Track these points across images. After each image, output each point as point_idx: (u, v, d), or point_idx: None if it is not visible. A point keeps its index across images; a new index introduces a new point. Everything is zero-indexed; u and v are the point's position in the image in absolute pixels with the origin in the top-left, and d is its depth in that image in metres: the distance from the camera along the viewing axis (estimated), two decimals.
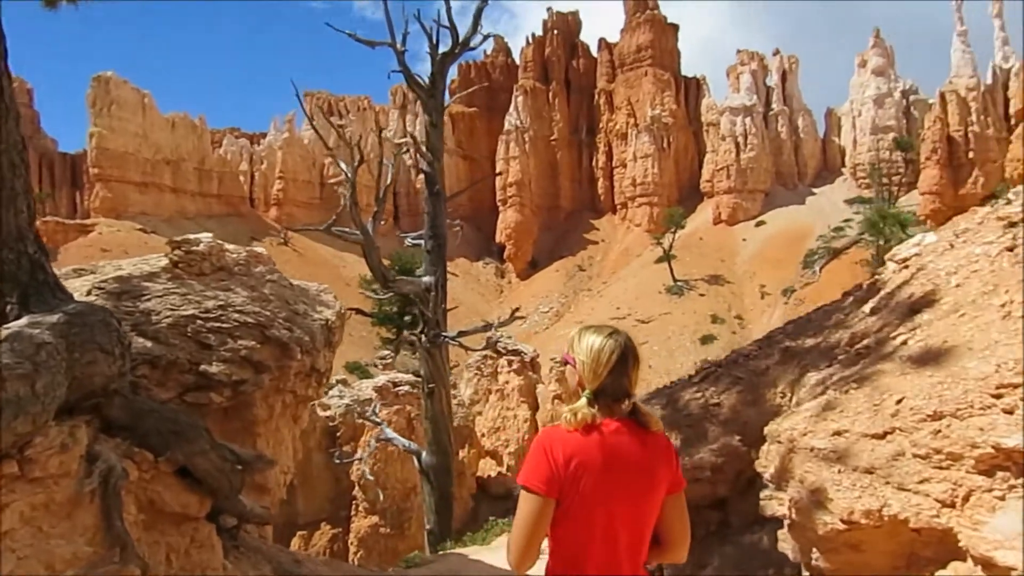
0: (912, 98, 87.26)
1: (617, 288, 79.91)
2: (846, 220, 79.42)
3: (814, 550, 3.38)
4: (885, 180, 59.06)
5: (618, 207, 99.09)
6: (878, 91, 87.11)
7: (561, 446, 2.56)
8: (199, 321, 7.04)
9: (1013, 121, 22.03)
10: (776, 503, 3.56)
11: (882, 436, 3.15)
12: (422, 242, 14.21)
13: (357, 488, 19.88)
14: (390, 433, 14.55)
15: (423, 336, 13.49)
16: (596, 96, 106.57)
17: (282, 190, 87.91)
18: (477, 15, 13.77)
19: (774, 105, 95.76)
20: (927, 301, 3.86)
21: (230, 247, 8.26)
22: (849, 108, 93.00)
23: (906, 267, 4.76)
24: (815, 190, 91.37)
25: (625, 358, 2.63)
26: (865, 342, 4.15)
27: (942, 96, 71.45)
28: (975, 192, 67.94)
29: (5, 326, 4.63)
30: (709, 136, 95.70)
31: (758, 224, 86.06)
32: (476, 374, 26.80)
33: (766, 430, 3.93)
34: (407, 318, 38.82)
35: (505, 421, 25.75)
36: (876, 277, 5.00)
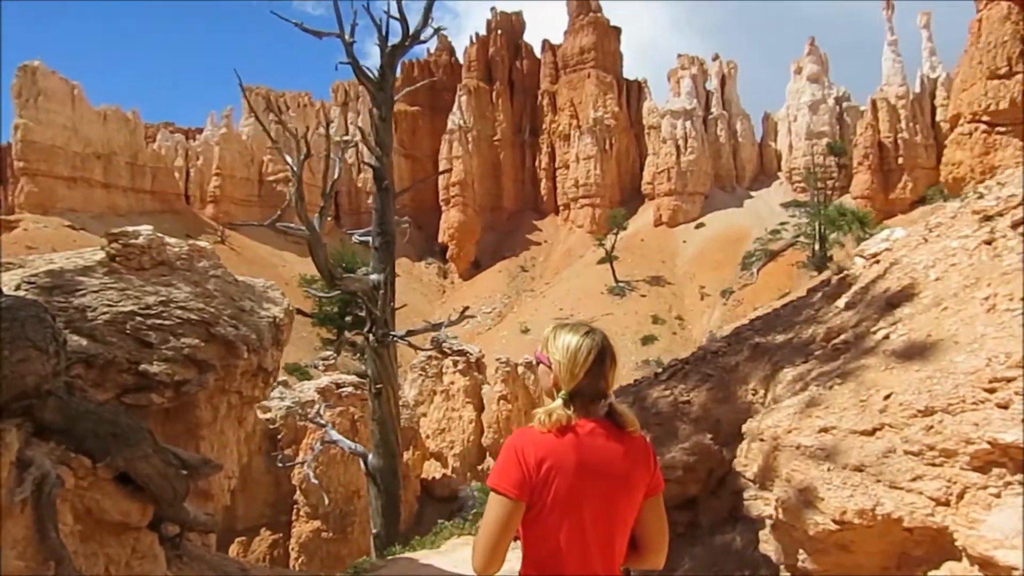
0: (845, 105, 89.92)
1: (560, 289, 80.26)
2: (782, 223, 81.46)
3: (800, 551, 3.28)
4: (820, 184, 60.60)
5: (560, 208, 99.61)
6: (813, 97, 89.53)
7: (533, 448, 2.45)
8: (139, 318, 6.66)
9: (947, 127, 22.91)
10: (761, 503, 3.45)
11: (871, 433, 3.07)
12: (369, 239, 13.89)
13: (299, 492, 19.38)
14: (335, 435, 14.18)
15: (371, 336, 13.17)
16: (539, 97, 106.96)
17: (219, 187, 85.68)
18: (428, 8, 13.52)
19: (713, 109, 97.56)
20: (905, 295, 3.81)
21: (171, 241, 7.87)
22: (785, 113, 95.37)
23: (877, 262, 4.73)
24: (752, 193, 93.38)
25: (602, 357, 2.55)
26: (843, 337, 4.09)
27: (873, 103, 73.82)
28: (904, 197, 70.50)
29: None
30: (650, 139, 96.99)
31: (698, 226, 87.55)
32: (421, 375, 26.49)
33: (745, 428, 3.80)
34: (348, 318, 38.25)
35: (450, 422, 25.52)
36: (845, 273, 4.96)
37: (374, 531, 13.82)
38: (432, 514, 22.47)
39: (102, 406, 5.21)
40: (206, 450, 7.00)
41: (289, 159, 11.79)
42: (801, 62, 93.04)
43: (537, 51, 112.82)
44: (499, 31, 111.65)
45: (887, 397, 3.13)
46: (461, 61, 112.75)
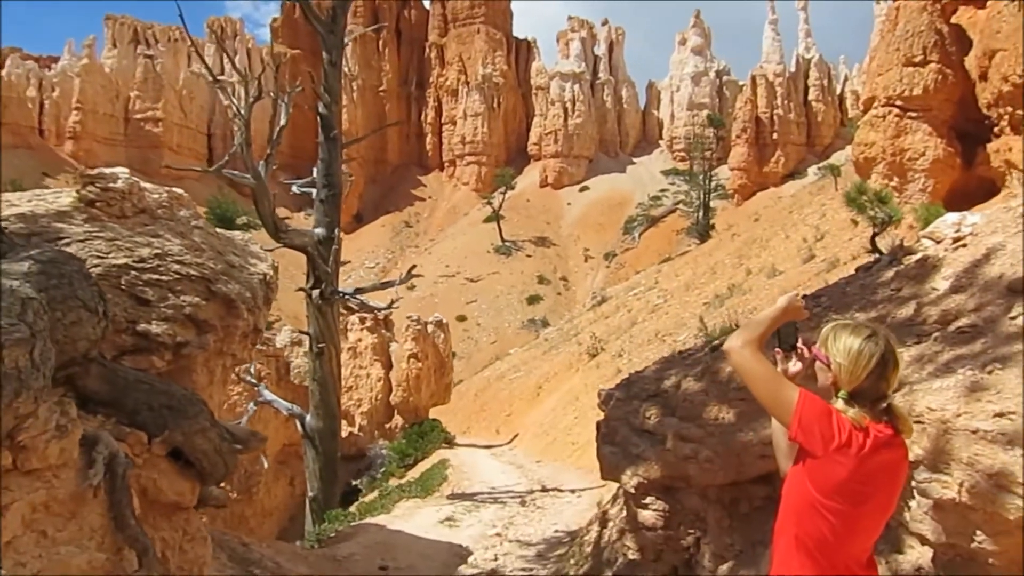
0: (725, 79, 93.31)
1: (446, 246, 79.78)
2: (662, 190, 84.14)
3: (978, 532, 3.34)
4: (706, 155, 62.94)
5: (446, 164, 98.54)
6: (696, 69, 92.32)
7: (847, 432, 2.39)
8: (134, 272, 5.96)
9: (862, 108, 24.37)
10: (939, 486, 3.46)
11: None
12: (311, 191, 13.22)
13: None
14: (269, 395, 13.53)
15: (314, 293, 12.58)
16: (427, 49, 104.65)
17: (79, 122, 78.82)
18: None
19: (601, 74, 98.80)
20: None
21: (148, 186, 7.09)
22: (668, 83, 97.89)
23: (964, 245, 4.84)
24: (635, 159, 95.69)
25: (885, 362, 2.48)
26: (966, 320, 4.14)
27: (753, 79, 76.95)
28: (777, 170, 74.29)
29: None
30: (538, 100, 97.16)
31: (582, 189, 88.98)
32: None
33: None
34: None
35: (358, 380, 24.95)
36: (922, 253, 5.05)
37: (311, 494, 13.41)
38: (340, 473, 22.02)
39: (157, 375, 4.63)
40: None
41: (237, 101, 10.91)
42: (686, 34, 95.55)
43: (426, 2, 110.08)
44: None
45: None
46: None
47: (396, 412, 24.94)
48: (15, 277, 3.65)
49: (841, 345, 2.49)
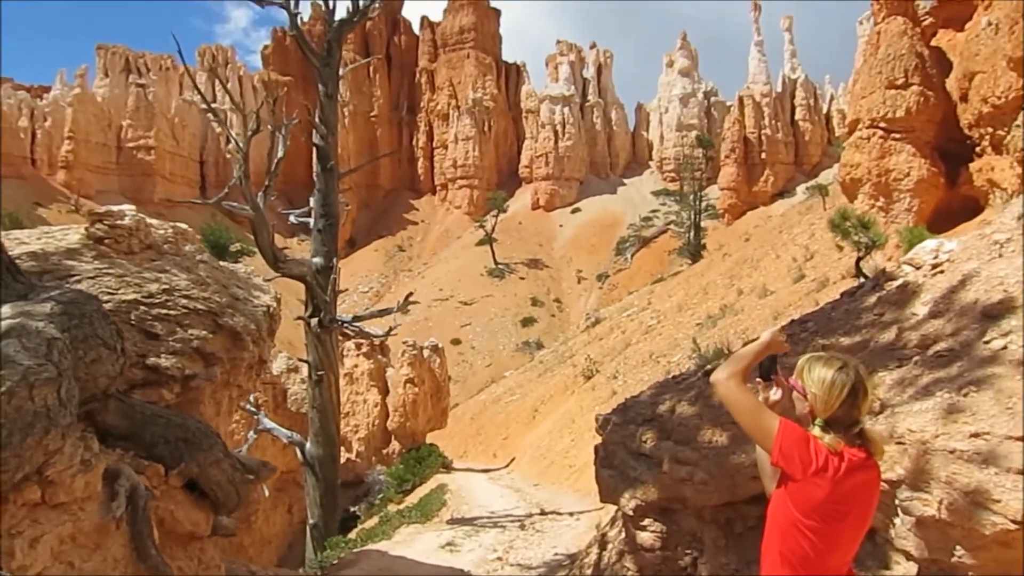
0: (713, 100, 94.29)
1: (439, 270, 79.95)
2: (653, 210, 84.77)
3: (958, 547, 3.52)
4: (696, 175, 63.51)
5: (438, 188, 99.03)
6: (684, 91, 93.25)
7: (823, 457, 2.61)
8: (143, 307, 6.14)
9: (847, 130, 24.83)
10: (920, 504, 3.66)
11: None
12: (308, 220, 13.42)
13: None
14: (268, 423, 13.63)
15: (312, 321, 12.75)
16: (417, 75, 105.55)
17: (72, 151, 78.93)
18: None
19: (590, 97, 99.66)
20: (1005, 307, 4.13)
21: (154, 222, 7.29)
22: (657, 105, 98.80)
23: (941, 272, 5.07)
24: (625, 180, 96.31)
25: (856, 391, 2.68)
26: (944, 345, 4.33)
27: (740, 100, 77.79)
28: (766, 189, 74.91)
29: None
30: (528, 123, 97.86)
31: (574, 211, 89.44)
32: None
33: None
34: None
35: (354, 406, 25.01)
36: (903, 279, 5.28)
37: (311, 522, 13.46)
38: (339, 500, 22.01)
39: (166, 408, 4.80)
40: None
41: (235, 135, 11.13)
42: (673, 55, 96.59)
43: (415, 28, 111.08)
44: (377, 4, 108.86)
45: None
46: None
47: (393, 437, 24.99)
48: (40, 318, 3.83)
49: (815, 376, 2.71)
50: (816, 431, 2.66)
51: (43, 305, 3.99)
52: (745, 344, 3.09)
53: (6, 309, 3.95)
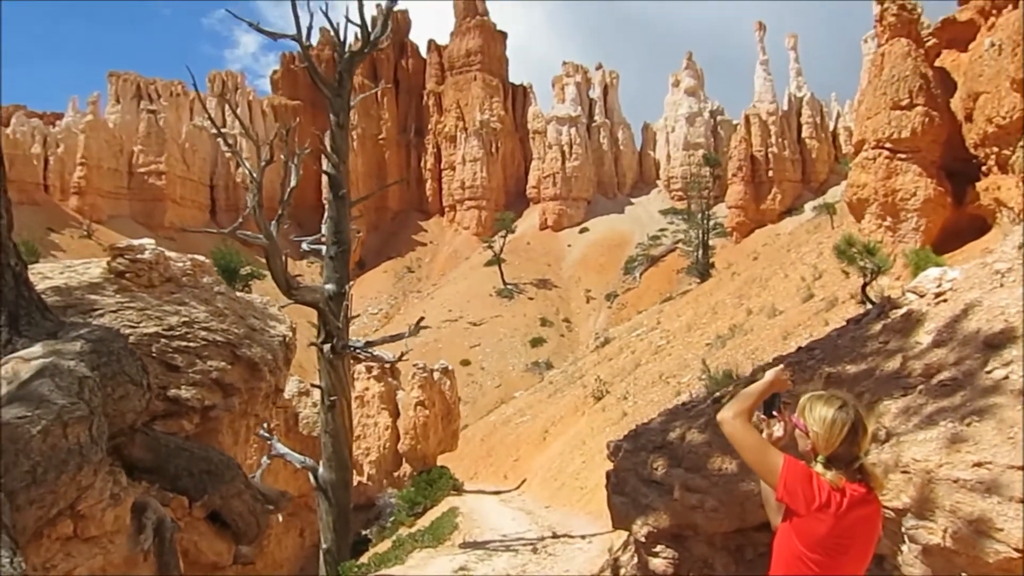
0: (719, 118, 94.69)
1: (448, 291, 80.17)
2: (661, 229, 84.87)
3: (963, 575, 3.61)
4: (703, 194, 63.69)
5: (446, 209, 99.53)
6: (690, 110, 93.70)
7: (826, 493, 2.72)
8: (163, 340, 6.31)
9: (853, 150, 24.97)
10: (926, 532, 3.75)
11: None
12: (320, 248, 13.61)
13: None
14: (282, 448, 13.74)
15: (325, 347, 12.90)
16: (425, 97, 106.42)
17: (84, 177, 79.84)
18: (387, 14, 13.40)
19: (596, 117, 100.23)
20: (1007, 337, 4.23)
21: (172, 255, 7.47)
22: (663, 124, 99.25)
23: (944, 300, 5.17)
24: (633, 200, 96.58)
25: (856, 429, 2.80)
26: (947, 374, 4.42)
27: (747, 118, 78.00)
28: (774, 207, 74.91)
29: (18, 355, 3.91)
30: (535, 143, 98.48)
31: (582, 231, 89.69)
32: None
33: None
34: None
35: (365, 429, 25.09)
36: (907, 307, 5.38)
37: (324, 546, 13.54)
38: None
39: (186, 438, 4.94)
40: None
41: (248, 165, 11.34)
42: (679, 75, 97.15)
43: (422, 51, 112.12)
44: (387, 35, 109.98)
45: None
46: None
47: (404, 460, 25.04)
48: (70, 357, 3.98)
49: (816, 415, 2.82)
50: (818, 468, 2.77)
51: (73, 344, 4.15)
52: (749, 380, 3.22)
53: (37, 348, 4.11)
